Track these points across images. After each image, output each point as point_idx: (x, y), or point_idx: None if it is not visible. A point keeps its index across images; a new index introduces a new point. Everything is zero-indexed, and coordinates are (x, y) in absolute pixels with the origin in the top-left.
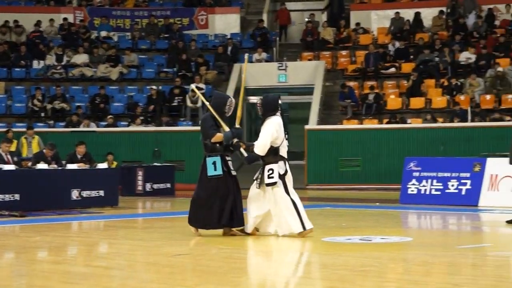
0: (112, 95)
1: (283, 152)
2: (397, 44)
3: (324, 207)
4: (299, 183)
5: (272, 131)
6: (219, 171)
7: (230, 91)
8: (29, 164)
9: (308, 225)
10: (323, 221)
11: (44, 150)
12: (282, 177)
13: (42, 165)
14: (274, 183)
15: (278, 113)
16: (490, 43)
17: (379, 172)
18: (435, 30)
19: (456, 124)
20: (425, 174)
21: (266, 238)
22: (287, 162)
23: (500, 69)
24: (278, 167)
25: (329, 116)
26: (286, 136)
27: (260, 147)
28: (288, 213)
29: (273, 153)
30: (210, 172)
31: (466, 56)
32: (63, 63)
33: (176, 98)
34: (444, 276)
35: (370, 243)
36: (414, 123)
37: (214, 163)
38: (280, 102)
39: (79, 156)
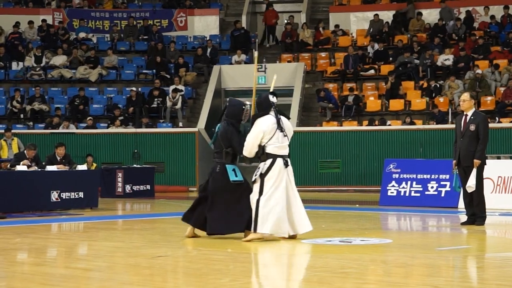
0: (91, 96)
1: (272, 149)
2: (376, 46)
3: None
4: None
5: (257, 133)
6: (240, 177)
7: (209, 93)
8: (8, 165)
9: (265, 229)
10: None
11: (26, 151)
12: (262, 176)
13: (21, 167)
14: (254, 181)
15: (272, 112)
16: (469, 46)
17: (359, 173)
18: (413, 32)
19: (435, 126)
20: (405, 176)
21: (245, 240)
22: (278, 160)
23: (479, 71)
24: (264, 165)
25: (308, 118)
26: (284, 133)
27: (247, 150)
28: (257, 213)
29: (261, 152)
30: (232, 177)
31: (445, 58)
32: (42, 65)
33: (156, 99)
34: (423, 278)
35: (350, 245)
36: (394, 125)
37: (234, 170)
38: (273, 99)
39: (58, 158)
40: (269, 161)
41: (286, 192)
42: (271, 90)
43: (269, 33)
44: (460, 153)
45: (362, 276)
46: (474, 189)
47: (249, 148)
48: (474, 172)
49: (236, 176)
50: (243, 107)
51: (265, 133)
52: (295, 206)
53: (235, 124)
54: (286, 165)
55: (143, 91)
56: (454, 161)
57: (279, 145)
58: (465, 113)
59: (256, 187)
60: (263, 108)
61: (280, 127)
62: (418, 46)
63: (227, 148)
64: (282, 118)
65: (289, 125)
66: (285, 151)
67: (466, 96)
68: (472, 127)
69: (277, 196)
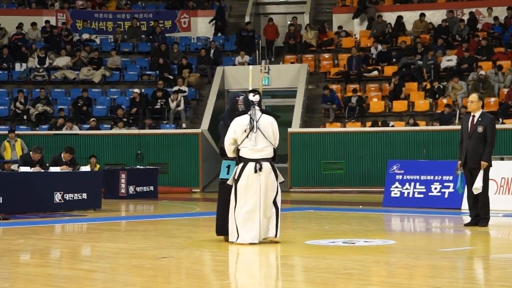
0: (94, 97)
1: (244, 152)
2: (380, 47)
3: (307, 210)
4: (282, 186)
5: (228, 133)
6: (230, 176)
7: (212, 94)
8: (12, 166)
9: (242, 239)
10: (306, 224)
11: (31, 153)
12: (235, 181)
13: (25, 168)
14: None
15: (251, 111)
16: (472, 47)
17: (362, 175)
18: (417, 34)
19: (438, 127)
20: (408, 177)
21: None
22: (249, 164)
23: (482, 72)
24: (236, 168)
25: (312, 119)
26: (249, 136)
27: (227, 150)
28: (230, 219)
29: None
30: (222, 175)
31: (448, 59)
32: (45, 66)
33: (159, 100)
34: (427, 279)
35: (353, 246)
36: (397, 126)
37: (228, 166)
38: (253, 97)
39: (64, 160)
40: (240, 166)
41: (258, 197)
42: (250, 84)
43: (268, 48)
44: (467, 154)
45: (365, 277)
46: (480, 191)
47: (226, 150)
48: (481, 174)
49: (228, 173)
50: (237, 98)
51: (236, 134)
52: (262, 213)
53: (230, 116)
54: (258, 169)
55: (146, 92)
56: (460, 162)
57: (252, 148)
58: (472, 114)
59: (232, 193)
60: (244, 107)
61: (253, 128)
62: (422, 47)
63: (221, 143)
64: (263, 118)
65: (270, 125)
66: (260, 154)
67: (474, 97)
68: (480, 129)
69: (246, 204)
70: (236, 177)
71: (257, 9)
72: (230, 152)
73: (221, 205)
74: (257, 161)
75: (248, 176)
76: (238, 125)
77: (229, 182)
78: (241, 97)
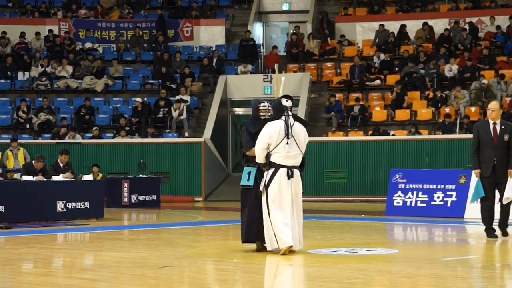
0: (97, 106)
1: (276, 158)
2: (382, 56)
3: (309, 219)
4: None
5: (261, 139)
6: (251, 182)
7: (215, 103)
8: (14, 175)
9: (283, 243)
10: (309, 233)
11: (34, 162)
12: (266, 187)
13: (27, 177)
14: (261, 192)
15: (284, 117)
16: (474, 56)
17: (365, 184)
18: (419, 43)
19: (441, 136)
20: (411, 186)
21: (252, 250)
22: (281, 170)
23: (484, 81)
24: (266, 174)
25: (314, 128)
26: (287, 141)
27: (256, 156)
28: (266, 228)
29: (268, 160)
30: (243, 181)
31: (450, 69)
32: (48, 72)
33: (162, 109)
34: None
35: (356, 255)
36: (400, 135)
37: (249, 173)
38: (286, 102)
39: (61, 165)
40: (271, 171)
41: (289, 204)
42: (280, 93)
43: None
44: (496, 163)
45: (368, 286)
46: (511, 199)
47: (257, 154)
48: (509, 183)
49: (248, 180)
50: (258, 104)
51: (271, 139)
52: (295, 220)
53: (253, 122)
54: (290, 176)
55: (148, 101)
56: (478, 170)
57: (285, 155)
58: (492, 121)
59: (263, 199)
60: (275, 112)
61: (288, 134)
62: (424, 56)
63: (244, 149)
64: (297, 125)
65: (303, 133)
66: (292, 161)
67: (495, 105)
68: (506, 137)
69: (279, 211)
70: (266, 183)
71: (260, 18)
72: (261, 157)
73: (245, 212)
74: (289, 167)
75: (280, 182)
76: (274, 130)
77: (261, 189)
78: (262, 104)
